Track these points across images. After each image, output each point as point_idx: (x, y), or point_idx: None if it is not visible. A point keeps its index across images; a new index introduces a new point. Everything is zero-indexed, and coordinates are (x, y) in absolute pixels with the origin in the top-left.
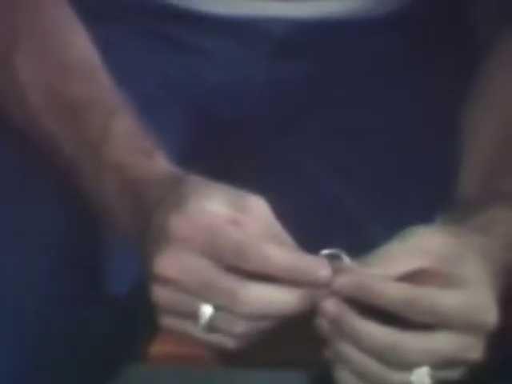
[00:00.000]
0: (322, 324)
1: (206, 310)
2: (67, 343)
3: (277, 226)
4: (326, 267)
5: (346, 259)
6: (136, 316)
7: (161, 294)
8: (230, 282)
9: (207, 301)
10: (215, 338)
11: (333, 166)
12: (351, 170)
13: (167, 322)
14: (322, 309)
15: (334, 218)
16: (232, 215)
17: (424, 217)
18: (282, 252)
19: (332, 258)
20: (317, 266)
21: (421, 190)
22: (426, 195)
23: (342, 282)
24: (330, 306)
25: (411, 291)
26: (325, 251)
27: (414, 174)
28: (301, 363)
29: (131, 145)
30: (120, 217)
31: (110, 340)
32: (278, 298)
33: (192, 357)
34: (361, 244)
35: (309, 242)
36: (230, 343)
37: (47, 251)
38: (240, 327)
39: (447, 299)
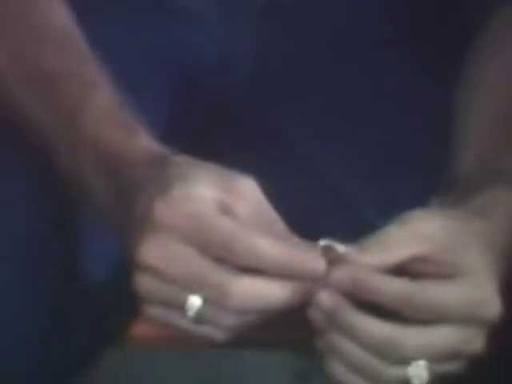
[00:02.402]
0: (316, 315)
1: (195, 302)
2: (44, 330)
3: (268, 209)
4: (320, 261)
5: (342, 248)
6: (116, 300)
7: (144, 284)
8: (219, 274)
9: (195, 292)
10: (203, 329)
11: (324, 142)
12: (343, 145)
13: (151, 311)
14: (316, 301)
15: (325, 194)
16: (221, 200)
17: (420, 196)
18: (273, 245)
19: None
20: (310, 259)
21: (416, 168)
22: (422, 174)
23: (337, 276)
24: (326, 299)
25: (409, 288)
26: (320, 242)
27: (409, 152)
28: (292, 344)
29: (110, 119)
30: (99, 197)
31: (89, 325)
32: (269, 292)
33: (177, 338)
34: (355, 222)
35: (300, 220)
36: (219, 335)
37: (16, 236)
38: (230, 320)
39: (447, 295)
